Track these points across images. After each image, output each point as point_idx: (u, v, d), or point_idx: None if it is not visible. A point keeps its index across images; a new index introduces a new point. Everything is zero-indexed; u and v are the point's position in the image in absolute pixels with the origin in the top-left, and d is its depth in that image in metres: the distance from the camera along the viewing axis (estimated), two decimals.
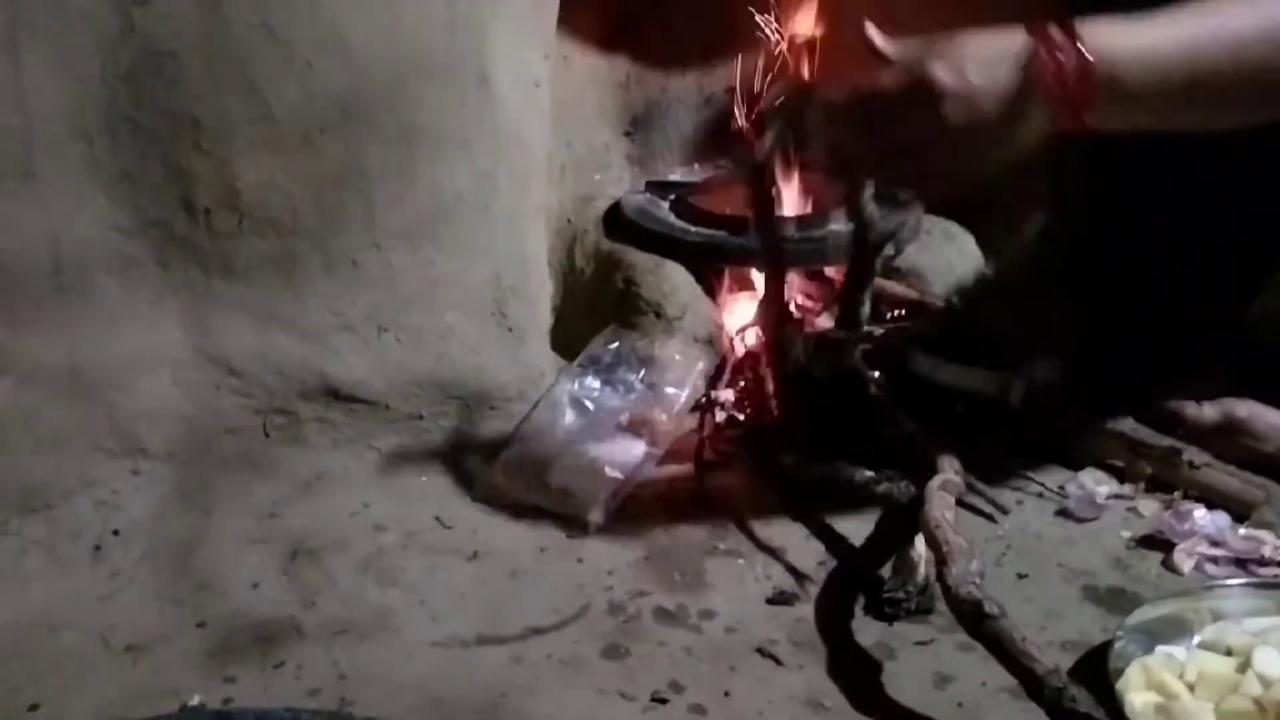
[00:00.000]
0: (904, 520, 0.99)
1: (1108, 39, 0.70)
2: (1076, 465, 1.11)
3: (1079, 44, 0.69)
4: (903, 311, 1.33)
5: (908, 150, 0.72)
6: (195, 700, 0.84)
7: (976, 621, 0.81)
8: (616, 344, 1.23)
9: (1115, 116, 0.70)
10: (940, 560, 0.88)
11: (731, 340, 1.28)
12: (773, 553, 1.02)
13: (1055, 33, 0.70)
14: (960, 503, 1.01)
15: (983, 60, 0.69)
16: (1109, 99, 0.69)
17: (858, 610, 0.94)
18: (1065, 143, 0.73)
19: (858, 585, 0.97)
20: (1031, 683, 0.76)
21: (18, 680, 0.87)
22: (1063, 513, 1.06)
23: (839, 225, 1.33)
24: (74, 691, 0.86)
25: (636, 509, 1.08)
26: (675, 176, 1.47)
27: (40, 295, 1.03)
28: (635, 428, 1.16)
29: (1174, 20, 0.69)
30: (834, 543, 1.04)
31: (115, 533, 1.03)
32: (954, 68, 0.69)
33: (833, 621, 0.93)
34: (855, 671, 0.88)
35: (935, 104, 0.69)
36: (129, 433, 1.08)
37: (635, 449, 1.13)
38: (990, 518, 1.04)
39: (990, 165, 0.72)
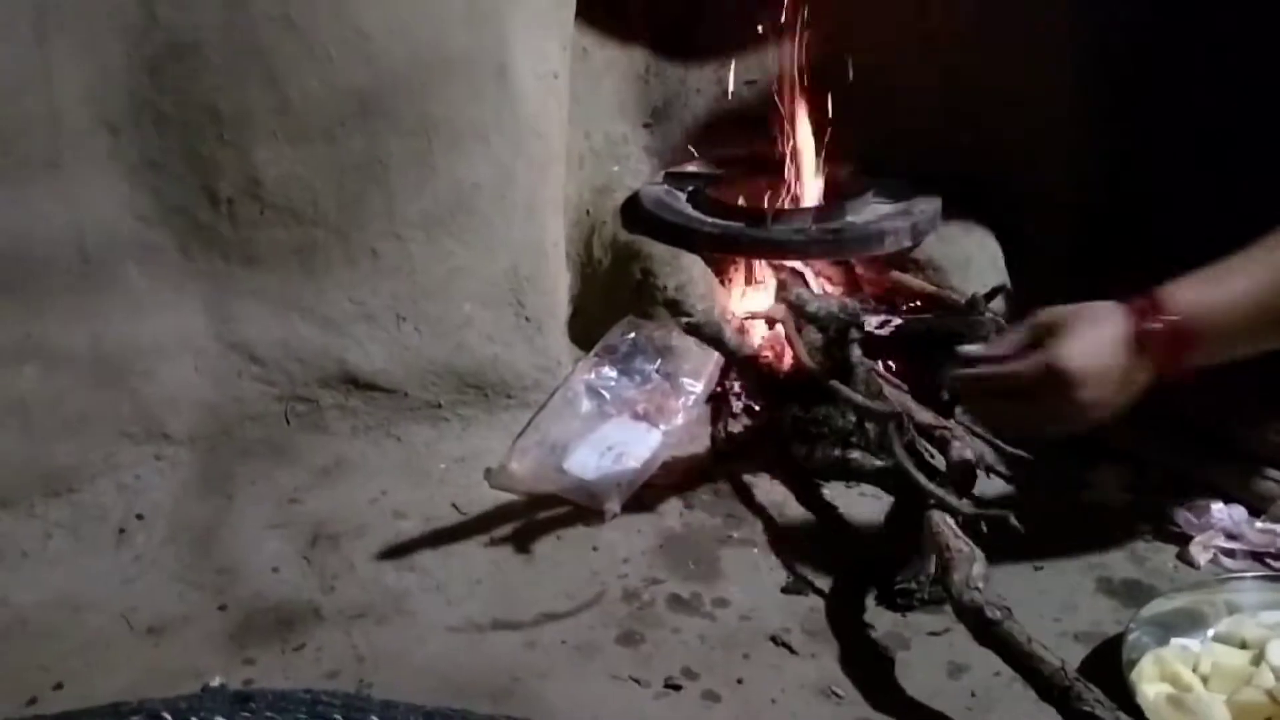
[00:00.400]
0: (916, 511, 0.99)
1: (1192, 306, 0.82)
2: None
3: (1171, 316, 0.82)
4: (919, 304, 1.33)
5: (1039, 417, 0.85)
6: (216, 681, 0.85)
7: (983, 627, 0.81)
8: (633, 334, 1.24)
9: (1202, 359, 0.84)
10: (943, 567, 0.87)
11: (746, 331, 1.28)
12: (787, 542, 1.03)
13: (1149, 311, 0.82)
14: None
15: (1101, 345, 0.82)
16: (1199, 353, 0.83)
17: (871, 600, 0.94)
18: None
19: (871, 575, 0.97)
20: (1039, 682, 0.76)
21: (43, 660, 0.89)
22: (1081, 506, 1.06)
23: (855, 217, 1.34)
24: (97, 671, 0.88)
25: (652, 498, 1.08)
26: (693, 168, 1.47)
27: (65, 282, 1.04)
28: (651, 417, 1.16)
29: (1242, 271, 0.83)
30: (848, 532, 1.04)
31: (138, 516, 1.05)
32: (1083, 356, 0.81)
33: (846, 611, 0.93)
34: (868, 661, 0.88)
35: (1072, 387, 0.81)
36: (152, 418, 1.09)
37: (651, 438, 1.13)
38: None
39: (1103, 418, 0.85)
